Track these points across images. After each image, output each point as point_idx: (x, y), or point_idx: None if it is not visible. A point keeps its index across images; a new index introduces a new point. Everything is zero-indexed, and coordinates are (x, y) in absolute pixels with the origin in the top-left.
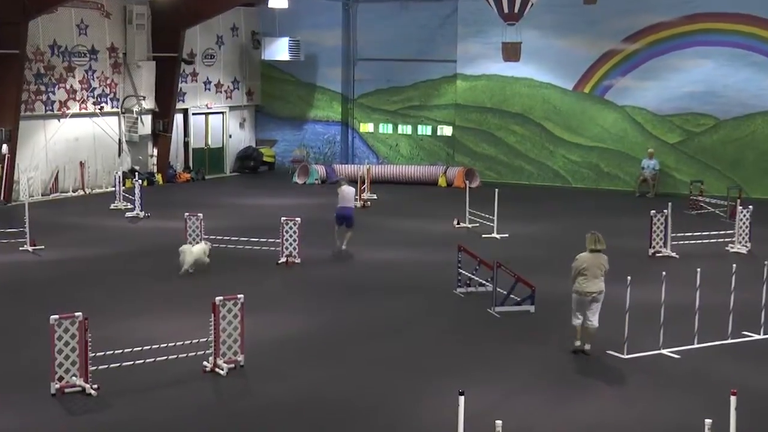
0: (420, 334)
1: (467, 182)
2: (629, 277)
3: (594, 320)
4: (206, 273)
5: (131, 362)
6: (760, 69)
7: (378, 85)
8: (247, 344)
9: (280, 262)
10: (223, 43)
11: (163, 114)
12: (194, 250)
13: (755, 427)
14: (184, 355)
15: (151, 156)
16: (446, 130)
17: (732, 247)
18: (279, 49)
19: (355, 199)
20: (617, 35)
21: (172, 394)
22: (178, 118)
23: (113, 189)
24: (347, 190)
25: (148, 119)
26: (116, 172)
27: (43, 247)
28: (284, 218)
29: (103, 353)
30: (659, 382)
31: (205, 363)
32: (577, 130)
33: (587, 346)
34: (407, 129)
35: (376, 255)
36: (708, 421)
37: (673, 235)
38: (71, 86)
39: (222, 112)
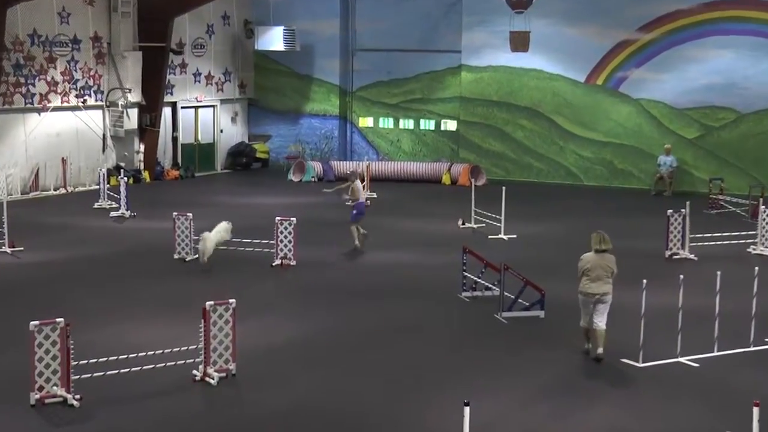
0: (422, 340)
1: (473, 180)
2: (645, 281)
3: (599, 322)
4: (196, 276)
5: (116, 371)
6: None
7: (378, 77)
8: (239, 352)
9: (274, 264)
10: (214, 33)
11: (150, 107)
12: (213, 236)
13: None
14: (173, 363)
15: (138, 152)
16: (450, 125)
17: (754, 249)
18: (273, 39)
19: None
20: (632, 24)
21: (159, 404)
22: (166, 111)
23: (97, 187)
24: (360, 185)
25: (134, 113)
26: (100, 169)
27: (22, 248)
28: (279, 218)
29: (86, 361)
30: (676, 391)
31: (194, 372)
32: (590, 124)
33: (600, 350)
34: (409, 123)
35: (376, 257)
36: None
37: (692, 236)
38: (52, 78)
39: (213, 106)
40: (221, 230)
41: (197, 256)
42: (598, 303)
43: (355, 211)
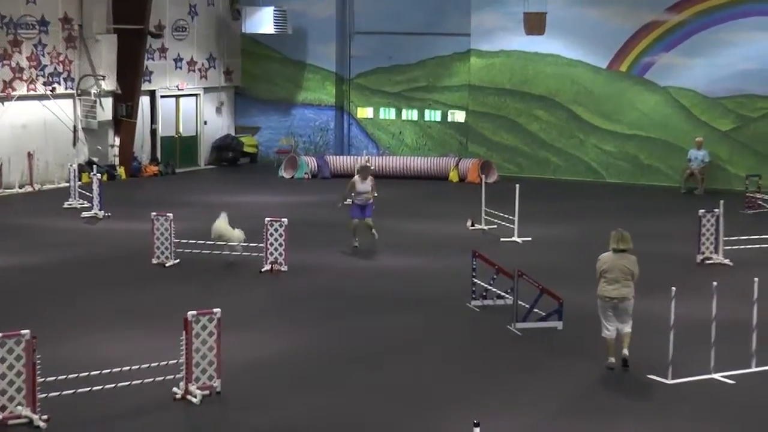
0: (427, 355)
1: (483, 176)
2: (674, 288)
3: (623, 328)
4: (177, 283)
5: (88, 388)
6: None
7: (378, 62)
8: (224, 367)
9: (263, 270)
10: (197, 14)
11: (126, 97)
12: (236, 233)
13: None
14: (151, 379)
15: (112, 146)
16: (458, 116)
17: None
18: (262, 21)
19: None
20: (659, 4)
21: (136, 425)
22: (144, 101)
23: (67, 184)
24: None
25: (108, 103)
26: (71, 165)
27: None
28: (268, 219)
29: (54, 378)
30: (710, 411)
31: (175, 389)
32: (612, 115)
33: (625, 351)
34: (413, 114)
35: (376, 262)
36: None
37: (726, 238)
38: (17, 64)
39: (196, 95)
40: (234, 237)
41: (178, 260)
42: (617, 310)
43: (374, 207)
